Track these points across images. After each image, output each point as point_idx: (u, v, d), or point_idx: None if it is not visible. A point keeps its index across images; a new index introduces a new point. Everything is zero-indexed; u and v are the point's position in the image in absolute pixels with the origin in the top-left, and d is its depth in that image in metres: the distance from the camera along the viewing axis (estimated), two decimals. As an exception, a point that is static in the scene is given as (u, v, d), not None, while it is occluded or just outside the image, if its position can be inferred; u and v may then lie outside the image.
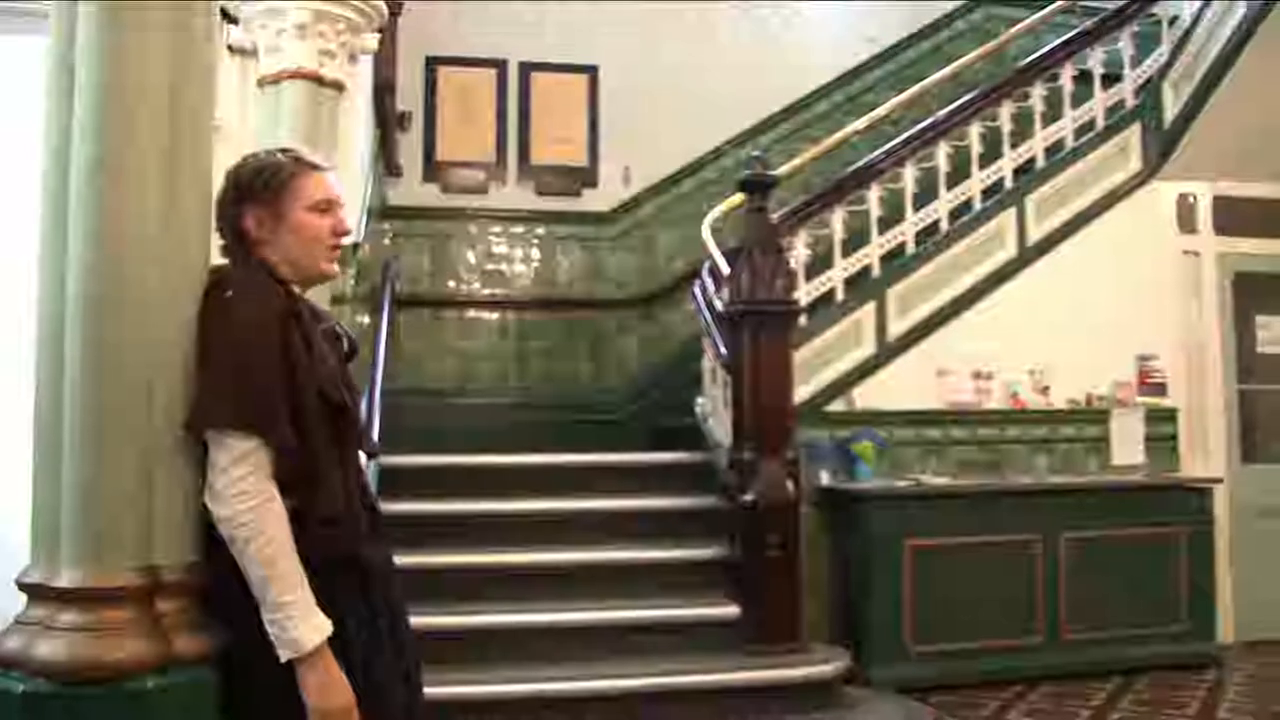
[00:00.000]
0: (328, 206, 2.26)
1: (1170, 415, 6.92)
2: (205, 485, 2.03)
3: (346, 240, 4.55)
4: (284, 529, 2.00)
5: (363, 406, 4.98)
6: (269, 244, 2.21)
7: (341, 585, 2.10)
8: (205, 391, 2.03)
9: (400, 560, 5.20)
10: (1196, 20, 6.82)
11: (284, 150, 2.31)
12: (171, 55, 2.07)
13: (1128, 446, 6.79)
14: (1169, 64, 7.03)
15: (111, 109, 2.00)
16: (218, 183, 2.24)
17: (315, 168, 2.28)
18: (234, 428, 1.99)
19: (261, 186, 2.21)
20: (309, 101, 4.36)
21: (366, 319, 5.66)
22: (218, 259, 2.23)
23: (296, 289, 2.25)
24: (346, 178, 4.61)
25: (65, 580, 1.95)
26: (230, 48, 4.47)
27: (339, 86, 4.50)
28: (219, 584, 2.05)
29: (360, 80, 4.84)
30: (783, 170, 6.32)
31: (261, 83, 4.42)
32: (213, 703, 2.02)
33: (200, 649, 2.01)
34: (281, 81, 4.35)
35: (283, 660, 1.97)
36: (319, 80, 4.39)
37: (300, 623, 1.97)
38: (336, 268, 2.34)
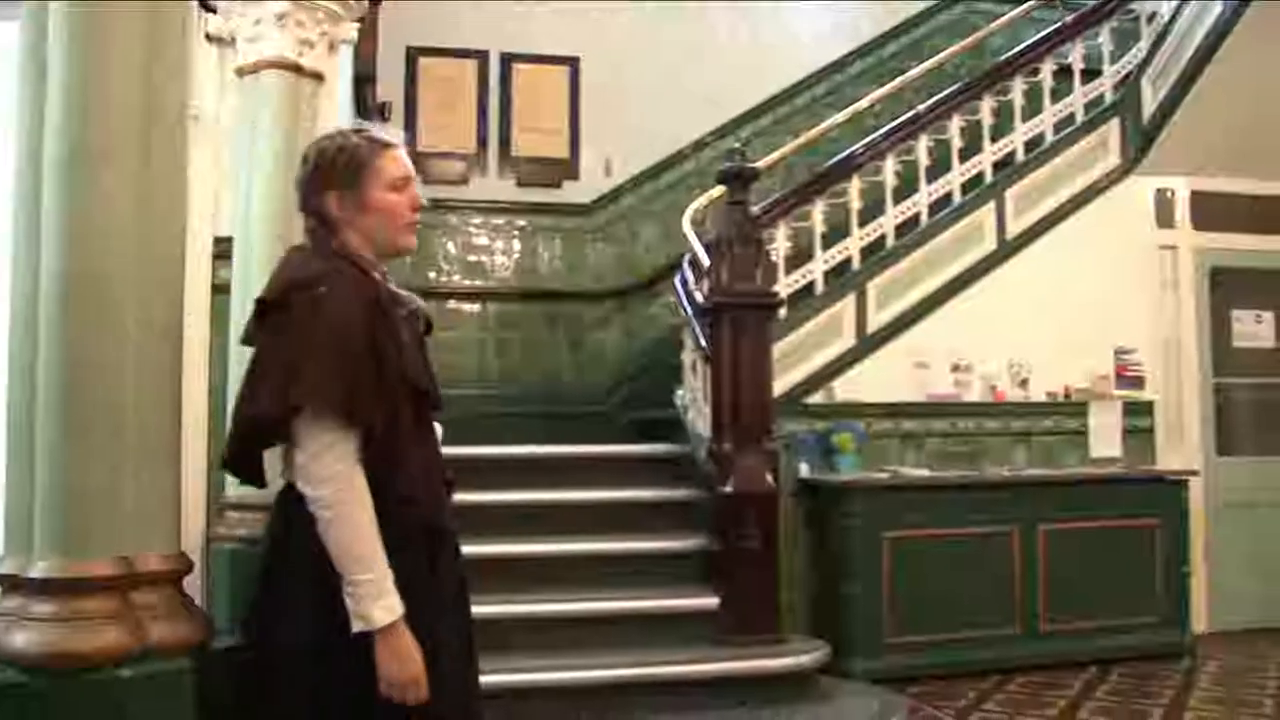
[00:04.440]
0: (405, 183, 2.36)
1: (1148, 408, 6.96)
2: (292, 465, 2.17)
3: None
4: (368, 511, 2.13)
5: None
6: (350, 224, 2.32)
7: (415, 558, 2.23)
8: (303, 381, 2.12)
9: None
10: (1175, 17, 6.86)
11: (357, 131, 2.39)
12: (145, 45, 2.07)
13: (1105, 439, 6.83)
14: (1147, 60, 7.06)
15: (84, 100, 1.99)
16: (197, 172, 2.24)
17: (389, 145, 2.37)
18: (331, 416, 2.12)
19: (342, 170, 2.31)
20: (288, 91, 4.36)
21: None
22: (192, 246, 2.23)
23: (376, 273, 2.35)
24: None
25: (39, 571, 1.95)
26: (208, 36, 4.45)
27: (318, 76, 4.50)
28: (300, 554, 2.16)
29: (340, 70, 4.82)
30: (763, 162, 6.32)
31: (240, 72, 4.42)
32: (190, 691, 2.03)
33: (178, 638, 2.01)
34: (260, 71, 4.35)
35: (355, 630, 2.09)
36: (298, 70, 4.38)
37: (374, 600, 2.09)
38: (414, 240, 2.43)
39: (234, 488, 4.24)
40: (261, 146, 4.31)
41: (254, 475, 2.33)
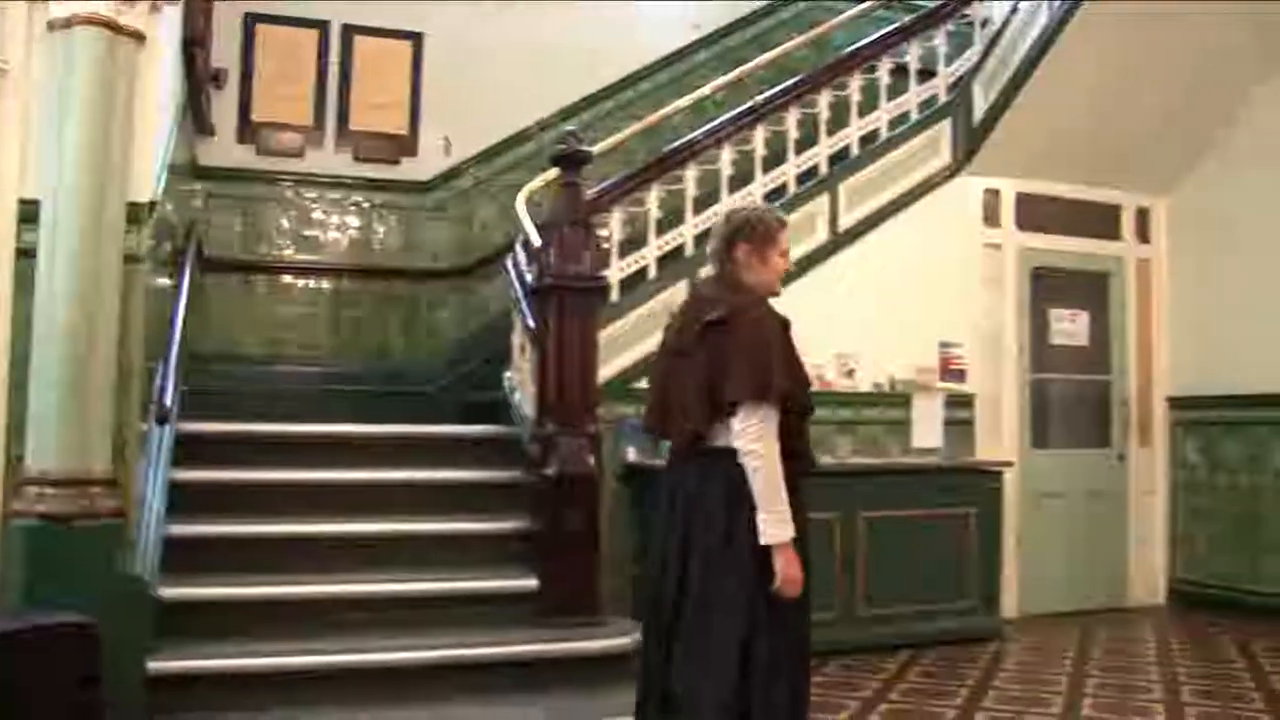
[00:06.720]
0: (786, 251, 3.50)
1: (968, 401, 7.20)
2: (735, 431, 3.19)
3: (142, 198, 4.37)
4: (779, 462, 3.17)
5: (164, 372, 4.81)
6: (748, 270, 3.41)
7: (797, 497, 3.24)
8: (764, 377, 3.16)
9: (204, 530, 5.05)
10: (1005, 25, 7.11)
11: (767, 209, 3.66)
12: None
13: (927, 430, 7.04)
14: (980, 64, 7.30)
15: None
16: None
17: (784, 223, 3.53)
18: (773, 401, 3.18)
19: (755, 232, 3.43)
20: (104, 49, 4.18)
21: (166, 281, 5.45)
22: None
23: None
24: (146, 131, 4.44)
25: None
26: (19, -14, 4.23)
27: (138, 36, 4.32)
28: (732, 494, 3.20)
29: (166, 31, 4.63)
30: (600, 146, 6.31)
31: (52, 26, 4.22)
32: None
33: None
34: (74, 26, 4.16)
35: (763, 544, 3.14)
36: (115, 28, 4.20)
37: (781, 523, 3.15)
38: (781, 288, 3.51)
39: (34, 460, 4.03)
40: (74, 107, 4.10)
41: (695, 439, 3.31)
